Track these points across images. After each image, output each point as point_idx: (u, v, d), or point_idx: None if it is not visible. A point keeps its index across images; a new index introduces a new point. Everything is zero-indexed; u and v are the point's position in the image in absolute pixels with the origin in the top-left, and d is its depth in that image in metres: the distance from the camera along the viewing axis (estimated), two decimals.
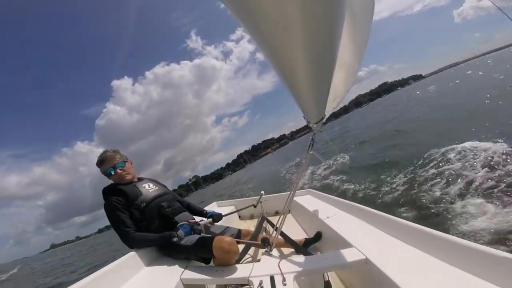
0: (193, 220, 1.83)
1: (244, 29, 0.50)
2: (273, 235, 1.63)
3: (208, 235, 1.67)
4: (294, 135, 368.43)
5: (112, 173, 1.80)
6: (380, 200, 4.69)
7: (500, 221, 2.87)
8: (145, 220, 1.70)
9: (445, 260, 1.09)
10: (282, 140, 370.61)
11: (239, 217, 3.27)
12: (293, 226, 2.57)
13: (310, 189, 3.10)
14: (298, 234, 2.31)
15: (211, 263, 1.53)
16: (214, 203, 3.46)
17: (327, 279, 1.32)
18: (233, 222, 2.88)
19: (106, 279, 1.35)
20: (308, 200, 2.76)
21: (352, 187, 6.01)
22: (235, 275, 1.32)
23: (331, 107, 1.23)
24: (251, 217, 3.24)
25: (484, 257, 0.97)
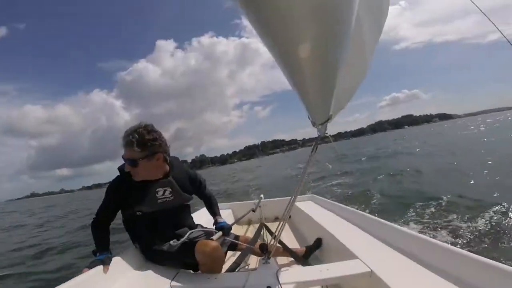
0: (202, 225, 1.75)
1: (250, 23, 0.49)
2: (272, 243, 1.54)
3: (195, 239, 1.51)
4: (306, 142, 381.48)
5: (133, 165, 1.43)
6: None
7: None
8: (131, 229, 1.55)
9: (455, 273, 1.06)
10: (292, 144, 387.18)
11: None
12: (293, 234, 2.49)
13: (314, 195, 3.01)
14: (298, 242, 2.24)
15: (200, 271, 1.44)
16: None
17: None
18: None
19: (92, 283, 1.24)
20: (310, 207, 2.68)
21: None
22: (229, 284, 1.27)
23: (337, 108, 1.15)
24: (249, 222, 3.02)
25: (496, 272, 0.95)
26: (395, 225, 1.54)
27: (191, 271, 1.46)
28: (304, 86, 0.77)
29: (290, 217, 2.73)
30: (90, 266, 1.33)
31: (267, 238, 2.07)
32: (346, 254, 1.43)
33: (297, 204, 2.77)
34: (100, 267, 1.32)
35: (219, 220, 1.76)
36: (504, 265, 0.94)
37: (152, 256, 1.52)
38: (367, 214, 1.87)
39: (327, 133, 1.27)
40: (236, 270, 1.49)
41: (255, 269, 1.47)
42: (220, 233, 1.57)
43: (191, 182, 1.68)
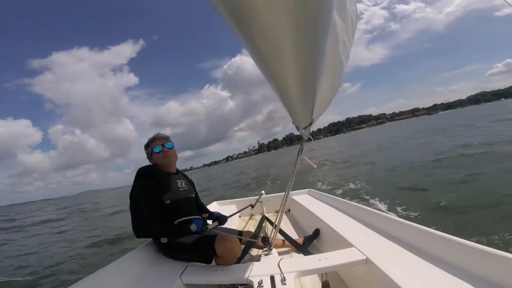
0: (206, 215, 1.89)
1: (235, 33, 0.50)
2: (272, 234, 1.68)
3: (210, 234, 1.61)
4: (395, 116, 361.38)
5: (159, 150, 1.74)
6: None
7: None
8: (161, 219, 1.60)
9: (447, 260, 1.09)
10: (380, 119, 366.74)
11: (239, 216, 3.21)
12: (293, 225, 2.58)
13: (311, 189, 3.07)
14: (298, 233, 2.33)
15: (212, 263, 1.51)
16: (215, 202, 3.42)
17: (327, 279, 1.31)
18: (233, 222, 2.84)
19: (105, 279, 1.35)
20: (308, 200, 2.77)
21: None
22: (235, 275, 1.32)
23: (318, 112, 1.21)
24: (251, 216, 3.19)
25: (485, 256, 0.98)
26: (389, 215, 1.58)
27: (200, 264, 1.52)
28: (288, 95, 0.81)
29: (289, 210, 2.86)
30: (209, 232, 1.56)
31: (268, 231, 2.15)
32: (343, 243, 1.49)
33: (295, 197, 2.87)
34: (111, 264, 1.46)
35: (214, 211, 2.05)
36: (499, 251, 0.96)
37: (170, 249, 1.62)
38: (362, 205, 1.90)
39: (310, 137, 1.35)
40: (241, 262, 1.55)
41: (258, 260, 1.52)
42: (217, 222, 1.73)
43: (189, 181, 1.98)
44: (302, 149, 1.47)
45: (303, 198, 2.88)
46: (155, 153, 1.76)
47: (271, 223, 2.17)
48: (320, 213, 2.17)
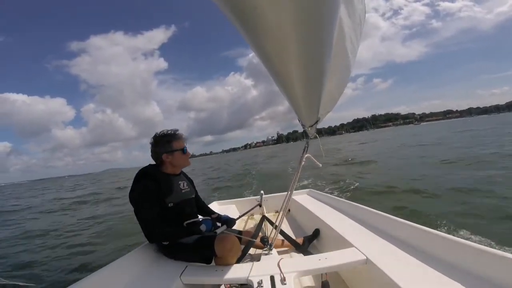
0: (215, 216, 1.84)
1: (239, 31, 0.50)
2: (273, 235, 1.68)
3: (209, 234, 1.58)
4: (424, 117, 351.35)
5: (186, 150, 1.67)
6: None
7: None
8: (163, 221, 1.54)
9: (447, 260, 1.10)
10: (408, 118, 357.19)
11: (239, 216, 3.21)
12: (292, 225, 2.58)
13: (311, 189, 3.05)
14: (298, 233, 2.32)
15: (212, 263, 1.50)
16: (215, 202, 3.38)
17: (327, 278, 1.32)
18: None
19: (105, 279, 1.35)
20: (308, 200, 2.76)
21: None
22: (235, 275, 1.32)
23: (325, 111, 1.19)
24: (251, 216, 3.12)
25: (485, 256, 0.98)
26: (388, 215, 1.56)
27: (200, 264, 1.51)
28: (293, 92, 0.81)
29: (289, 210, 2.83)
30: (219, 234, 1.49)
31: (268, 231, 2.15)
32: (342, 243, 1.49)
33: (295, 197, 2.84)
34: (112, 264, 1.45)
35: (222, 215, 1.88)
36: (499, 251, 0.96)
37: (170, 249, 1.60)
38: (361, 206, 1.89)
39: (316, 135, 1.33)
40: (241, 262, 1.55)
41: (258, 260, 1.53)
42: (225, 226, 1.63)
43: (190, 181, 1.89)
44: (307, 148, 1.45)
45: (303, 198, 2.89)
46: (179, 153, 1.65)
47: (271, 223, 2.16)
48: (320, 213, 2.17)
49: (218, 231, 1.54)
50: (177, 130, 1.69)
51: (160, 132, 1.68)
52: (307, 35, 0.49)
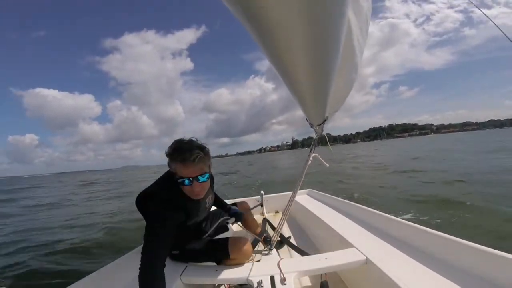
0: (226, 207, 1.85)
1: (248, 30, 0.50)
2: (273, 236, 1.69)
3: (218, 237, 1.59)
4: (441, 128, 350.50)
5: (188, 183, 1.22)
6: None
7: None
8: (179, 238, 1.35)
9: (447, 260, 1.11)
10: (425, 129, 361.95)
11: None
12: (293, 226, 2.58)
13: (311, 189, 3.02)
14: (297, 233, 2.33)
15: (215, 263, 1.49)
16: None
17: (326, 279, 1.32)
18: None
19: (105, 279, 1.36)
20: (308, 200, 2.74)
21: None
22: (235, 275, 1.32)
23: (332, 110, 1.20)
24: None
25: (485, 256, 0.99)
26: (388, 215, 1.56)
27: (200, 264, 1.51)
28: (301, 91, 0.82)
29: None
30: None
31: (269, 230, 2.15)
32: (342, 243, 1.49)
33: (296, 198, 2.74)
34: (110, 264, 1.44)
35: (232, 207, 1.85)
36: (498, 251, 0.97)
37: (187, 257, 1.54)
38: (361, 206, 1.89)
39: (323, 133, 1.33)
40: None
41: (258, 260, 1.52)
42: (233, 218, 1.71)
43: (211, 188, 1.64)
44: (314, 147, 1.47)
45: (303, 198, 2.88)
46: (183, 185, 1.25)
47: (273, 227, 2.16)
48: (320, 213, 2.17)
49: (230, 221, 1.66)
50: (192, 142, 1.26)
51: (174, 144, 1.24)
52: (315, 34, 0.49)
